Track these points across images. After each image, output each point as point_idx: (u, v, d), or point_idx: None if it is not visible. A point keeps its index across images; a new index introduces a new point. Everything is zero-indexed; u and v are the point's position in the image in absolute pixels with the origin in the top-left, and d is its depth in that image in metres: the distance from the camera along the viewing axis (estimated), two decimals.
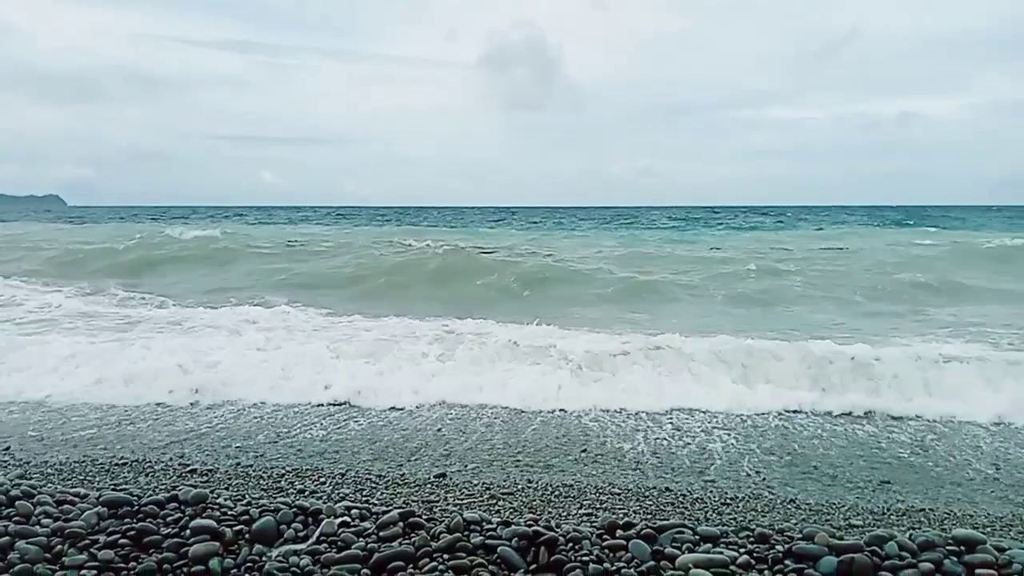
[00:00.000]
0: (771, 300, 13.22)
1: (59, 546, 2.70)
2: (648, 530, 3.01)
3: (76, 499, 3.06)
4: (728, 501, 4.38)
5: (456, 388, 6.84)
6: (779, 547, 2.89)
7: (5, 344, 8.28)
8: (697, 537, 3.01)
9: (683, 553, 2.85)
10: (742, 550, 2.90)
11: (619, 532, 3.03)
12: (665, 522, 3.11)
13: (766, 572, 2.75)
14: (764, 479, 4.82)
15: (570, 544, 2.89)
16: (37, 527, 2.81)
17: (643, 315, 11.68)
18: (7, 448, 5.17)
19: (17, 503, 2.97)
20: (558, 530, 2.98)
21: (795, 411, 6.41)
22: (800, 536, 2.99)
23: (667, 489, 4.56)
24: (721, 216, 57.02)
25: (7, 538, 2.69)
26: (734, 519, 4.02)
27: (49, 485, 3.75)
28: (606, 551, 2.88)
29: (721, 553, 2.84)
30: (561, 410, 6.43)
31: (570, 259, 18.84)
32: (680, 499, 4.39)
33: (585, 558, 2.79)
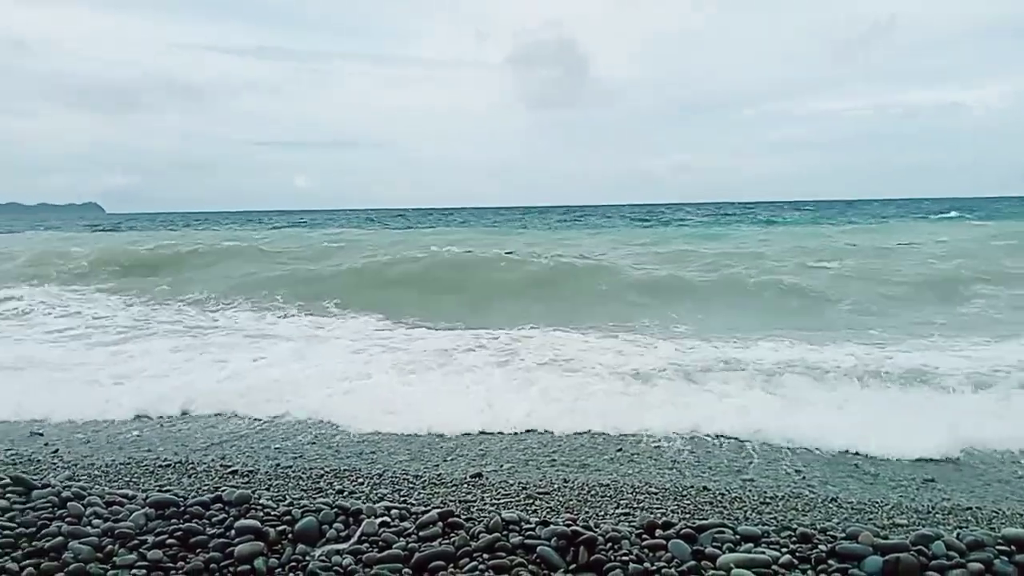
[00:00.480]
0: (822, 297, 12.84)
1: (110, 546, 2.77)
2: (688, 530, 2.99)
3: (124, 500, 3.14)
4: (767, 500, 4.33)
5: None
6: (822, 547, 2.85)
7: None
8: (738, 537, 2.99)
9: (724, 553, 2.84)
10: (784, 550, 2.87)
11: (658, 532, 3.02)
12: (704, 521, 3.09)
13: (809, 572, 2.72)
14: (804, 477, 4.77)
15: (609, 544, 2.89)
16: (88, 527, 2.88)
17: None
18: (56, 451, 5.31)
19: (69, 504, 3.05)
20: (597, 530, 2.98)
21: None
22: (843, 535, 2.95)
23: (705, 488, 4.53)
24: (759, 210, 56.26)
25: (60, 538, 2.77)
26: (774, 518, 3.98)
27: (97, 487, 3.84)
28: (646, 551, 2.87)
29: (763, 553, 2.81)
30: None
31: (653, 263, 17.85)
32: (718, 498, 4.36)
33: (625, 558, 2.78)
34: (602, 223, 42.41)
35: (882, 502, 4.32)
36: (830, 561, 2.77)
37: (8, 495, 3.14)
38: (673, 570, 2.71)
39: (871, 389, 6.65)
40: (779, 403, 6.30)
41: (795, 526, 3.15)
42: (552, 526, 3.00)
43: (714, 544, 2.91)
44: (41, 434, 5.80)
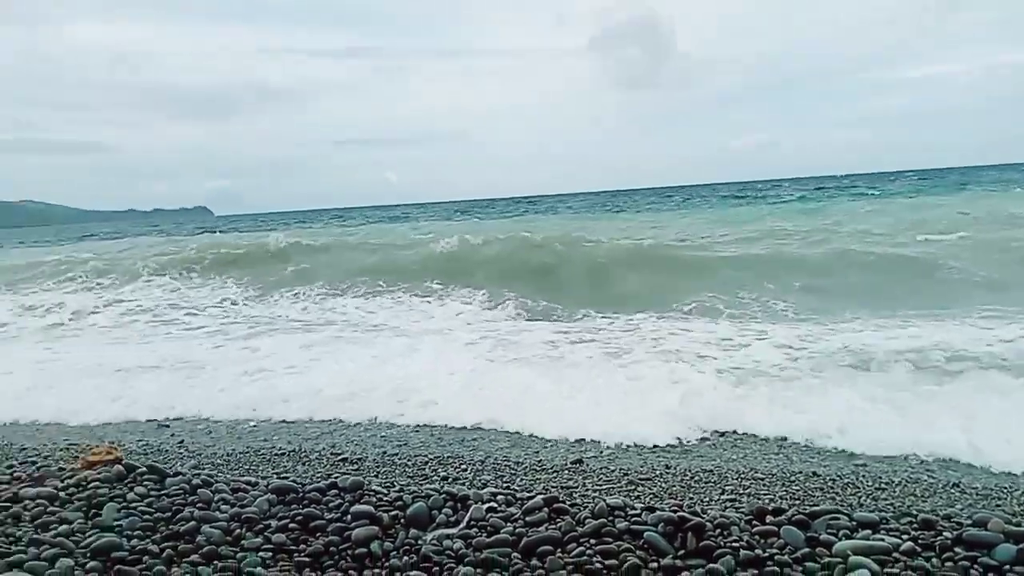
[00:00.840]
0: (942, 271, 11.78)
1: (237, 530, 2.95)
2: (800, 516, 2.91)
3: (248, 487, 3.33)
4: (883, 486, 4.16)
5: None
6: (947, 534, 2.73)
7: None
8: (854, 523, 2.89)
9: (840, 540, 2.75)
10: (905, 537, 2.76)
11: (769, 518, 2.95)
12: (817, 508, 3.00)
13: (933, 560, 2.61)
14: (922, 462, 4.55)
15: (718, 530, 2.85)
16: (217, 512, 3.08)
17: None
18: (181, 441, 5.68)
19: (199, 491, 3.26)
20: (704, 516, 2.95)
21: None
22: (970, 522, 2.81)
23: (814, 474, 4.39)
24: (861, 182, 53.25)
25: (193, 523, 2.97)
26: (891, 504, 3.82)
27: (221, 474, 4.09)
28: (756, 537, 2.81)
29: (882, 540, 2.71)
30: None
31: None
32: (829, 484, 4.22)
33: (735, 544, 2.74)
34: (695, 203, 41.25)
35: (1010, 487, 4.08)
36: (956, 549, 2.64)
37: (145, 482, 3.39)
38: (786, 557, 2.65)
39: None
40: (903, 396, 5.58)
41: (915, 512, 3.02)
42: (658, 512, 2.98)
43: (828, 531, 2.83)
44: (167, 425, 6.22)
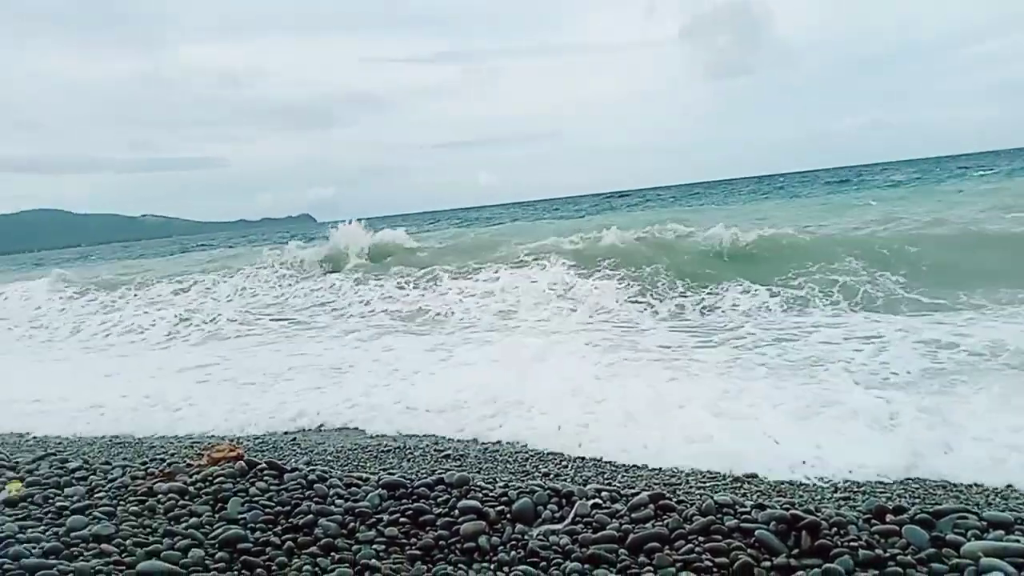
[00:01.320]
0: None
1: (352, 523, 3.07)
2: (924, 515, 2.77)
3: (360, 482, 3.47)
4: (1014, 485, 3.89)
5: None
6: None
7: None
8: (984, 523, 2.73)
9: (968, 540, 2.60)
10: None
11: (889, 517, 2.83)
12: (943, 507, 2.85)
13: None
14: None
15: (834, 528, 2.75)
16: (332, 507, 3.22)
17: None
18: (294, 439, 5.95)
19: (315, 486, 3.42)
20: (819, 514, 2.85)
21: None
22: None
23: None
24: (988, 160, 49.15)
25: (311, 516, 3.12)
26: None
27: (333, 470, 4.26)
28: (876, 536, 2.70)
29: (1018, 541, 2.54)
30: None
31: None
32: (952, 483, 3.98)
33: (853, 543, 2.64)
34: (798, 190, 39.13)
35: None
36: None
37: (265, 478, 3.58)
38: (910, 557, 2.53)
39: None
40: None
41: None
42: (769, 510, 2.91)
43: (956, 531, 2.68)
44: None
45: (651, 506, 3.05)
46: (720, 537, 2.77)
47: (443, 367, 7.76)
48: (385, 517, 3.11)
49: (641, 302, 10.73)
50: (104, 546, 2.95)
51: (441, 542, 2.90)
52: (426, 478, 3.43)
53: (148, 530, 3.14)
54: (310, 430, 6.29)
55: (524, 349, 8.23)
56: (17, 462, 4.33)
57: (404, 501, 3.23)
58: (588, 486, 3.38)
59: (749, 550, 2.68)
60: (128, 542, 2.99)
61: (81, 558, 2.86)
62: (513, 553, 2.81)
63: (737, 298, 10.20)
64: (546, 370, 7.10)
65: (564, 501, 3.19)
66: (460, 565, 2.78)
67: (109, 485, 3.78)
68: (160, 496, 3.50)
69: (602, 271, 12.68)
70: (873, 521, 2.82)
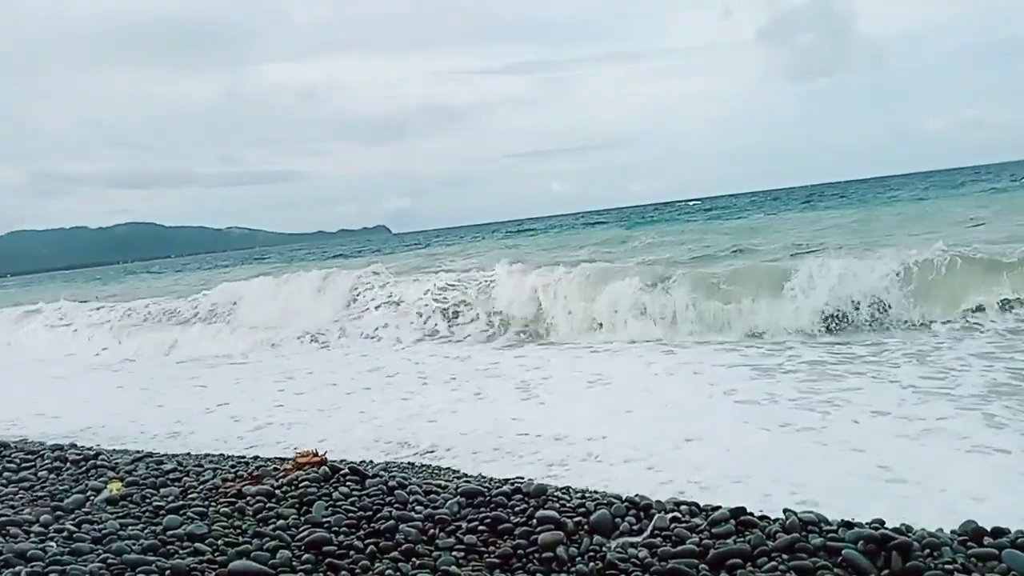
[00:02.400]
0: None
1: (431, 530, 3.12)
2: None
3: (439, 490, 3.52)
4: None
5: None
6: None
7: None
8: None
9: None
10: None
11: (987, 539, 2.70)
12: None
13: None
14: None
15: (926, 550, 2.63)
16: (412, 513, 3.28)
17: None
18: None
19: (395, 492, 3.49)
20: (910, 534, 2.74)
21: None
22: None
23: None
24: None
25: (392, 522, 3.18)
26: None
27: (413, 477, 4.34)
28: (972, 560, 2.57)
29: None
30: None
31: None
32: None
33: (948, 566, 2.52)
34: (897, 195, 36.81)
35: None
36: None
37: (348, 483, 3.68)
38: None
39: None
40: None
41: None
42: (856, 529, 2.81)
43: None
44: None
45: (732, 521, 2.99)
46: (805, 555, 2.69)
47: None
48: (464, 525, 3.15)
49: None
50: (198, 545, 3.09)
51: (519, 551, 2.91)
52: (504, 486, 3.46)
53: (238, 531, 3.27)
54: None
55: None
56: (117, 463, 4.59)
57: (482, 509, 3.26)
58: (667, 499, 3.34)
59: (836, 569, 2.60)
60: (220, 542, 3.12)
61: (176, 555, 3.00)
62: (591, 564, 2.80)
63: None
64: None
65: (643, 514, 3.16)
66: (538, 574, 2.78)
67: (200, 487, 3.96)
68: (249, 498, 3.64)
69: None
70: (969, 543, 2.69)
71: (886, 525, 2.86)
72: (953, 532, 2.82)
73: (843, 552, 2.66)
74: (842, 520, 2.95)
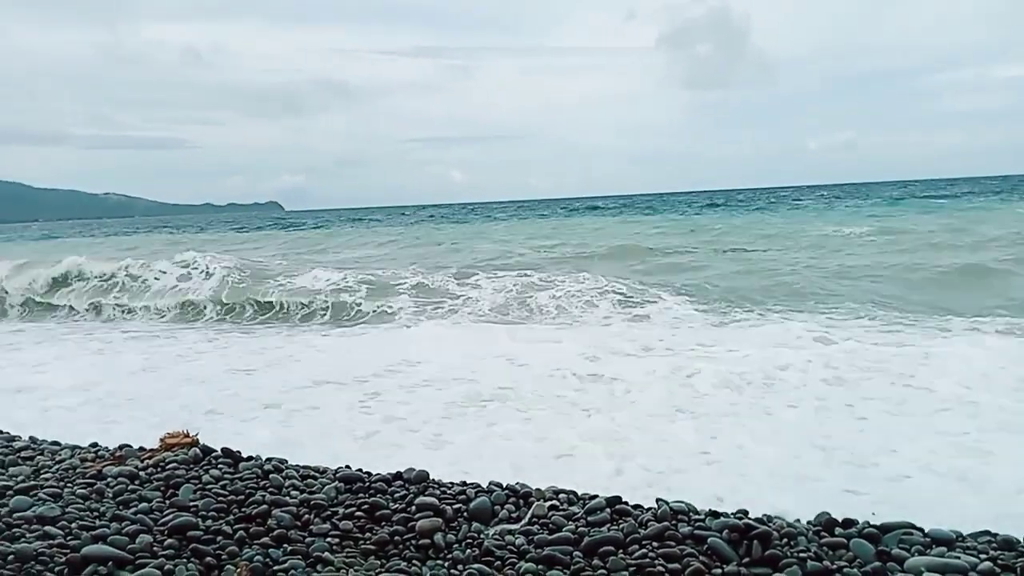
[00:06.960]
0: None
1: (306, 515, 3.03)
2: (871, 529, 2.83)
3: (317, 474, 3.43)
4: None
5: None
6: None
7: None
8: (928, 539, 2.80)
9: (912, 556, 2.66)
10: (983, 556, 2.65)
11: (838, 529, 2.89)
12: (890, 521, 2.91)
13: None
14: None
15: (784, 539, 2.79)
16: (287, 498, 3.17)
17: None
18: None
19: (270, 476, 3.37)
20: (771, 524, 2.89)
21: None
22: None
23: None
24: (951, 187, 50.43)
25: (265, 506, 3.07)
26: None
27: (288, 460, 4.20)
28: (824, 548, 2.75)
29: (958, 558, 2.61)
30: None
31: None
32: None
33: (802, 554, 2.68)
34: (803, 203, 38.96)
35: None
36: None
37: (220, 465, 3.53)
38: (856, 570, 2.58)
39: None
40: None
41: (995, 531, 2.89)
42: (723, 518, 2.95)
43: (901, 546, 2.74)
44: None
45: (608, 510, 3.07)
46: (674, 543, 2.79)
47: None
48: (341, 510, 3.08)
49: None
50: (48, 528, 2.88)
51: (396, 537, 2.88)
52: (385, 473, 3.41)
53: (95, 514, 3.07)
54: None
55: None
56: None
57: (361, 495, 3.20)
58: (548, 487, 3.38)
59: (701, 557, 2.71)
60: (73, 525, 2.92)
61: (23, 539, 2.78)
62: (468, 551, 2.80)
63: None
64: None
65: (522, 502, 3.19)
66: (414, 561, 2.75)
67: (56, 467, 3.69)
68: (110, 480, 3.43)
69: None
70: (822, 533, 2.87)
71: (749, 516, 3.01)
72: (809, 523, 3.00)
73: (708, 540, 2.78)
74: (710, 510, 3.08)
